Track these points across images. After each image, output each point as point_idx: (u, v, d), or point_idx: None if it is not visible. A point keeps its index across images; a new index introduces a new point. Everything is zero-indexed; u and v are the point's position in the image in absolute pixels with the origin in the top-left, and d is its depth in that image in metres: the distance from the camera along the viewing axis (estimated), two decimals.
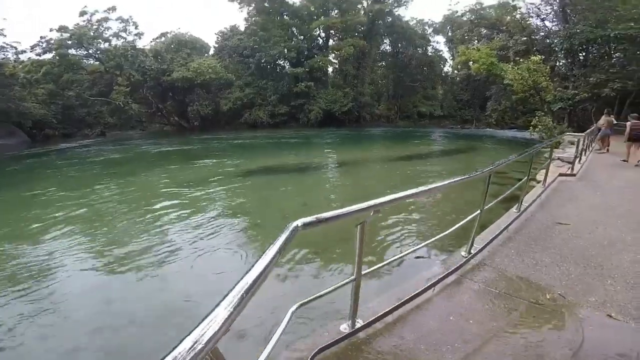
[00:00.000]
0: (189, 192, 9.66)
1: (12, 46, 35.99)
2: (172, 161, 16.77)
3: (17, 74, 35.08)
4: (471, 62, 33.05)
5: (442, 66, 51.92)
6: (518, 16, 33.67)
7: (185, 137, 31.22)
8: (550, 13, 29.61)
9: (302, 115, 38.98)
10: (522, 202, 4.88)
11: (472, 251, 3.28)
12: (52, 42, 36.38)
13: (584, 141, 9.79)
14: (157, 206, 8.30)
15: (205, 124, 38.62)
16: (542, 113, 24.21)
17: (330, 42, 44.51)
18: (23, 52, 36.92)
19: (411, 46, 46.45)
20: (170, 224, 7.07)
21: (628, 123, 10.51)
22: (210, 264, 5.16)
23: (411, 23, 48.02)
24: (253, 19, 41.20)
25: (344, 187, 10.26)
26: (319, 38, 44.84)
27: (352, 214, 1.75)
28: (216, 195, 9.29)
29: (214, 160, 16.04)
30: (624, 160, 9.85)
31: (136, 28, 39.61)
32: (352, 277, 1.99)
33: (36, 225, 7.32)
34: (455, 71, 47.35)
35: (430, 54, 50.22)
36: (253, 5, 41.68)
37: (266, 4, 40.99)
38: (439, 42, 51.80)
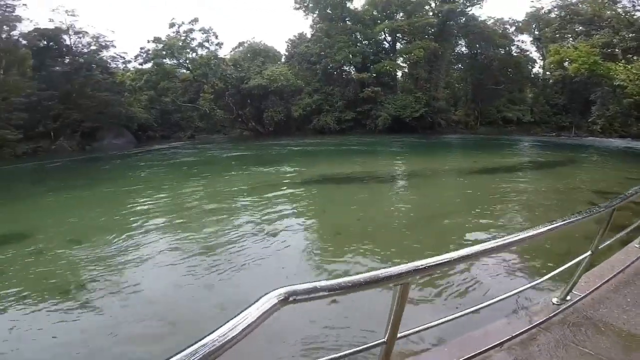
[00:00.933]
0: (249, 198, 9.97)
1: (121, 56, 42.60)
2: (243, 166, 17.98)
3: (125, 81, 41.31)
4: (566, 63, 29.59)
5: (530, 67, 46.57)
6: (620, 10, 28.77)
7: (260, 142, 33.53)
8: None
9: (369, 121, 38.44)
10: None
11: (569, 297, 2.59)
12: (150, 52, 41.41)
13: None
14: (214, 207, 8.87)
15: (279, 130, 40.70)
16: None
17: (398, 45, 43.15)
18: (129, 61, 43.26)
19: (491, 47, 42.52)
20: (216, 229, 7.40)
21: None
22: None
23: (488, 22, 43.88)
24: (317, 25, 42.25)
25: (410, 202, 9.22)
26: (384, 42, 43.96)
27: (380, 281, 1.23)
28: (277, 202, 9.33)
29: (281, 166, 16.54)
30: None
31: (216, 38, 43.19)
32: (382, 339, 1.47)
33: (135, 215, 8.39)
34: (548, 72, 42.35)
35: (515, 54, 45.35)
36: (317, 12, 42.69)
37: (328, 11, 41.65)
38: (525, 42, 46.55)
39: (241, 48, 48.96)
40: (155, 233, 7.09)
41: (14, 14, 29.87)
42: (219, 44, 43.51)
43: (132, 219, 8.16)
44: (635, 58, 23.21)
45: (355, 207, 8.44)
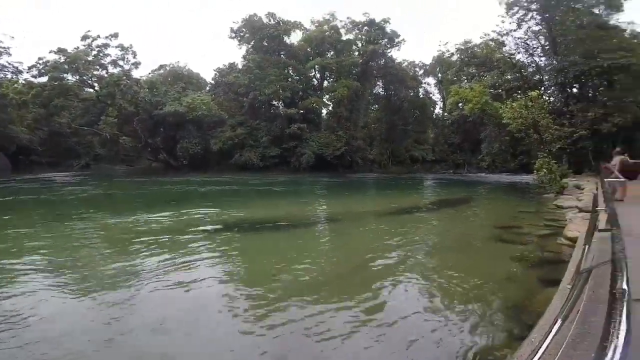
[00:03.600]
0: (140, 246, 8.02)
1: (13, 66, 36.03)
2: (134, 205, 15.40)
3: (8, 94, 34.41)
4: (461, 104, 32.83)
5: (432, 109, 52.86)
6: (505, 53, 33.56)
7: (169, 177, 30.33)
8: (537, 48, 29.80)
9: (293, 158, 38.48)
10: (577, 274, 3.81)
11: None
12: (49, 64, 35.95)
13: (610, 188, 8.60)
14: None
15: (194, 164, 37.83)
16: (545, 154, 22.98)
17: (325, 83, 45.23)
18: (20, 72, 36.92)
19: (404, 88, 47.17)
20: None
21: (617, 158, 10.14)
22: None
23: (403, 65, 49.30)
24: (250, 56, 41.86)
25: (331, 251, 8.59)
26: (314, 79, 45.66)
27: None
28: (181, 251, 7.72)
29: (189, 208, 14.08)
30: (620, 200, 8.85)
31: (134, 57, 39.65)
32: None
33: None
34: (446, 113, 47.74)
35: (421, 96, 51.21)
36: (252, 43, 42.64)
37: (265, 42, 41.94)
38: (430, 84, 53.24)
39: (162, 71, 45.51)
40: None
41: None
42: (136, 64, 40.04)
43: None
44: (519, 97, 26.91)
45: (270, 261, 7.27)
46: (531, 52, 30.50)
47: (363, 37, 44.53)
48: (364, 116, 45.86)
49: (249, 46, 43.22)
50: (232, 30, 43.17)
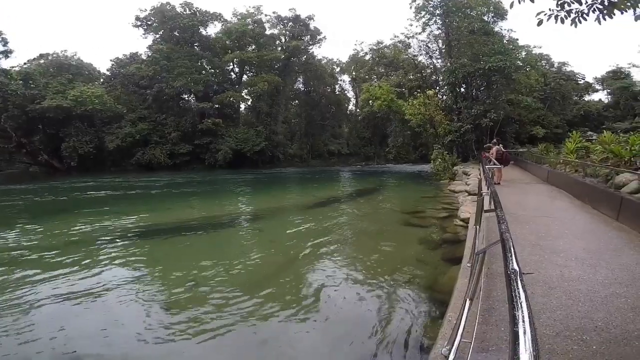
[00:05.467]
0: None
1: None
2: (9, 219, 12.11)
3: None
4: (371, 101, 34.91)
5: (347, 105, 55.53)
6: (410, 55, 36.75)
7: (55, 181, 25.09)
8: (436, 50, 33.05)
9: (208, 155, 35.90)
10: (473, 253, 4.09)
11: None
12: None
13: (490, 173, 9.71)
14: None
15: (86, 165, 32.46)
16: (439, 146, 25.52)
17: (244, 77, 43.42)
18: None
19: (322, 84, 48.44)
20: None
21: (494, 148, 11.52)
22: None
23: (323, 62, 50.47)
24: (157, 46, 37.72)
25: (254, 251, 7.86)
26: (231, 73, 43.52)
27: None
28: (75, 267, 6.44)
29: (84, 217, 11.64)
30: (497, 183, 10.31)
31: (4, 45, 31.93)
32: None
33: None
34: (358, 109, 50.13)
35: (337, 92, 53.45)
36: (161, 32, 38.47)
37: (176, 33, 38.29)
38: (345, 81, 55.82)
39: (42, 61, 37.41)
40: None
41: None
42: (6, 52, 32.11)
43: None
44: (419, 94, 29.74)
45: (187, 267, 6.39)
46: (430, 54, 33.84)
47: (287, 32, 43.95)
48: (284, 111, 45.49)
49: (157, 36, 38.95)
50: (137, 18, 38.56)
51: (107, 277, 5.97)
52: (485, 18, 28.26)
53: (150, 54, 38.09)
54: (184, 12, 38.90)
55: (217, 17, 41.58)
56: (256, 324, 4.31)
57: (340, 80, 54.79)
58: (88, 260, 6.90)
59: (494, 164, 11.24)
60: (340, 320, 4.42)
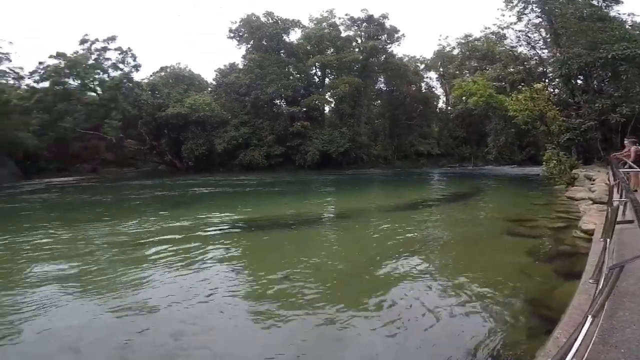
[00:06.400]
0: (154, 251, 8.02)
1: (14, 72, 35.91)
2: (148, 209, 15.40)
3: (11, 100, 34.39)
4: (465, 97, 32.69)
5: (435, 103, 52.61)
6: (507, 46, 32.82)
7: (177, 178, 30.39)
8: (539, 40, 29.10)
9: (298, 156, 38.46)
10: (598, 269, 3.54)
11: None
12: (49, 68, 35.90)
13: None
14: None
15: (200, 165, 37.71)
16: (553, 146, 22.17)
17: (327, 80, 45.01)
18: (22, 78, 36.65)
19: (405, 83, 47.00)
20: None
21: (633, 148, 9.67)
22: None
23: (404, 60, 48.96)
24: (250, 56, 41.67)
25: (341, 250, 8.43)
26: (315, 76, 45.51)
27: None
28: (184, 255, 7.70)
29: (199, 210, 14.28)
30: (635, 190, 8.06)
31: (134, 60, 39.59)
32: None
33: None
34: (450, 107, 47.57)
35: (424, 90, 50.96)
36: (251, 42, 42.51)
37: (264, 42, 41.77)
38: (432, 79, 53.02)
39: (163, 73, 45.48)
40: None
41: None
42: (136, 66, 39.88)
43: None
44: (524, 88, 26.56)
45: (284, 263, 7.02)
46: (533, 44, 29.89)
47: (362, 33, 44.21)
48: (366, 112, 45.63)
49: (249, 46, 43.04)
50: (230, 30, 43.05)
51: (212, 267, 6.93)
52: (595, 2, 24.07)
53: (245, 63, 42.20)
54: (268, 21, 41.84)
55: (296, 23, 43.85)
56: (337, 321, 4.48)
57: (427, 77, 52.49)
58: (195, 251, 8.06)
59: (630, 167, 8.92)
60: (423, 327, 4.29)
